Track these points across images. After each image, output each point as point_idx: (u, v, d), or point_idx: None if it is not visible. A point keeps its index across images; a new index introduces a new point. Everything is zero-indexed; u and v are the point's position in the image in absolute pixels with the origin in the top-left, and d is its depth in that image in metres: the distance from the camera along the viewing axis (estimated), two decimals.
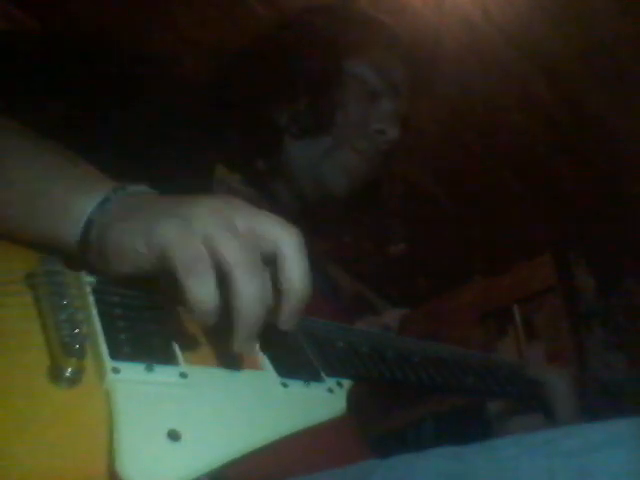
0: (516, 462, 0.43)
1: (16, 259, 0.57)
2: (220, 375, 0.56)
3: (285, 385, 0.60)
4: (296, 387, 0.61)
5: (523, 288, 1.37)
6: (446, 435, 1.07)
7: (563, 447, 0.42)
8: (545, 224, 1.97)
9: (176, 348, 0.55)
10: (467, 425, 1.03)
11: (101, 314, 0.54)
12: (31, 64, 0.80)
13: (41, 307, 0.53)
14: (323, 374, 0.65)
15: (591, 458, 0.40)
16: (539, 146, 1.89)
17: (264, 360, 0.62)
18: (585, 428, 0.44)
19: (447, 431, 1.07)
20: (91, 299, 0.55)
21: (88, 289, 0.57)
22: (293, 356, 0.65)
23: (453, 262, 1.96)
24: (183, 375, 0.53)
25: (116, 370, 0.49)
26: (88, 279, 0.58)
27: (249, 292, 0.51)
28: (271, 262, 0.55)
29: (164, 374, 0.52)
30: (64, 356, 0.47)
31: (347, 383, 0.66)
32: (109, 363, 0.49)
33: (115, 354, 0.50)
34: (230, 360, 0.58)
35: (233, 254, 0.51)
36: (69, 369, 0.46)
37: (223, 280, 0.51)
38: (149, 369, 0.51)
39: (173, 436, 0.47)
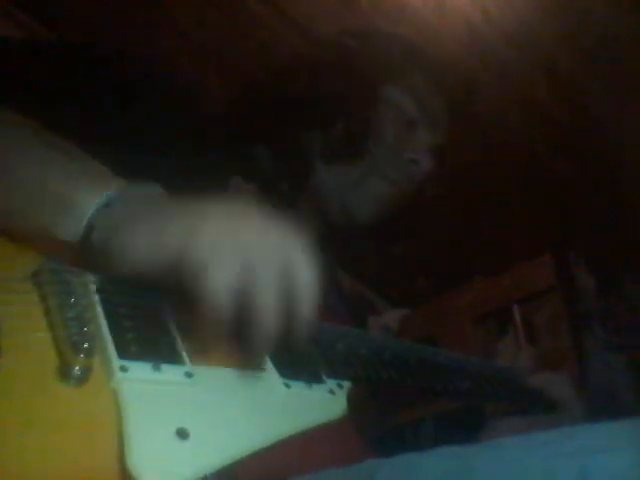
0: (518, 462, 0.43)
1: (21, 258, 0.57)
2: (224, 375, 0.57)
3: (287, 386, 0.60)
4: (298, 388, 0.61)
5: (523, 288, 1.37)
6: (445, 435, 1.07)
7: (564, 448, 0.42)
8: (545, 224, 1.97)
9: (182, 348, 0.56)
10: (466, 425, 1.03)
11: (107, 313, 0.54)
12: (49, 71, 0.80)
13: (48, 305, 0.53)
14: (324, 376, 0.66)
15: (592, 459, 0.40)
16: (539, 146, 1.89)
17: (266, 361, 0.62)
18: (586, 429, 0.44)
19: (446, 431, 1.07)
20: (96, 298, 0.56)
21: (93, 288, 0.57)
22: (294, 357, 0.66)
23: (453, 262, 1.96)
24: (189, 375, 0.53)
25: (124, 369, 0.49)
26: (93, 278, 0.59)
27: (268, 307, 0.54)
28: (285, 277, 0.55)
29: (170, 373, 0.52)
30: (72, 354, 0.47)
31: (347, 384, 0.67)
32: (117, 362, 0.50)
33: (123, 353, 0.51)
34: (234, 361, 0.58)
35: (263, 310, 0.53)
36: (77, 367, 0.47)
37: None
38: (156, 368, 0.51)
39: (182, 434, 0.47)
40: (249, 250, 0.53)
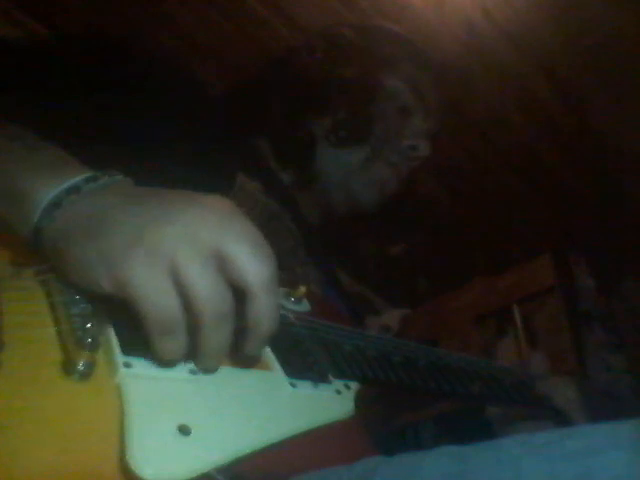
0: (518, 463, 0.43)
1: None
2: (229, 373, 0.56)
3: (294, 385, 0.60)
4: (304, 388, 0.61)
5: (523, 288, 1.37)
6: (446, 435, 1.07)
7: (565, 449, 0.42)
8: (545, 224, 1.97)
9: None
10: (467, 425, 1.03)
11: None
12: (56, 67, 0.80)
13: (53, 301, 0.53)
14: (331, 376, 0.65)
15: (593, 460, 0.40)
16: (539, 146, 1.89)
17: (273, 360, 0.62)
18: (587, 430, 0.44)
19: (447, 431, 1.07)
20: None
21: None
22: (301, 357, 0.66)
23: (453, 262, 1.96)
24: (193, 371, 0.53)
25: (128, 365, 0.50)
26: None
27: (215, 340, 0.51)
28: (240, 293, 0.53)
29: (174, 370, 0.52)
30: (76, 349, 0.47)
31: (355, 386, 0.67)
32: (121, 358, 0.50)
33: (126, 349, 0.51)
34: (239, 359, 0.58)
35: (203, 300, 0.49)
36: (81, 362, 0.47)
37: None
38: (160, 365, 0.51)
39: (184, 431, 0.47)
40: (171, 254, 0.49)
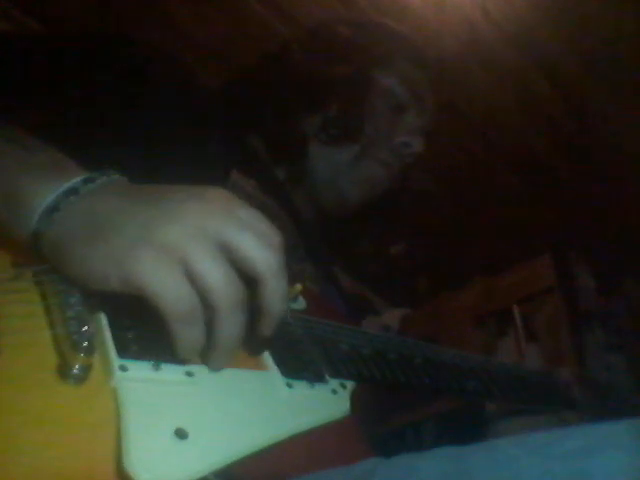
0: (516, 463, 0.43)
1: (22, 256, 0.56)
2: (225, 375, 0.56)
3: (290, 386, 0.60)
4: (301, 388, 0.61)
5: (523, 288, 1.37)
6: (446, 435, 1.07)
7: (563, 448, 0.42)
8: (545, 224, 1.97)
9: None
10: (467, 426, 1.03)
11: (108, 312, 0.54)
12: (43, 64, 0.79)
13: (48, 304, 0.52)
14: (327, 375, 0.65)
15: (591, 460, 0.40)
16: (539, 146, 1.89)
17: (269, 360, 0.62)
18: (585, 430, 0.44)
19: (447, 431, 1.07)
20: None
21: None
22: (297, 357, 0.66)
23: (453, 262, 1.96)
24: (189, 374, 0.53)
25: (124, 368, 0.49)
26: None
27: (230, 330, 0.52)
28: (251, 279, 0.53)
29: (171, 372, 0.52)
30: (72, 352, 0.47)
31: (350, 384, 0.67)
32: (117, 361, 0.49)
33: (122, 352, 0.50)
34: (235, 360, 0.58)
35: (217, 291, 0.50)
36: (77, 366, 0.46)
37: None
38: (156, 367, 0.51)
39: (180, 434, 0.47)
40: (180, 248, 0.49)
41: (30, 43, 0.84)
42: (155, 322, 0.50)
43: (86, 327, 0.50)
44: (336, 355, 0.70)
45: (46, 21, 1.68)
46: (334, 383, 0.65)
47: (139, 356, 0.51)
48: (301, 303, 0.78)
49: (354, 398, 0.65)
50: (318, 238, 1.06)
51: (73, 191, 0.53)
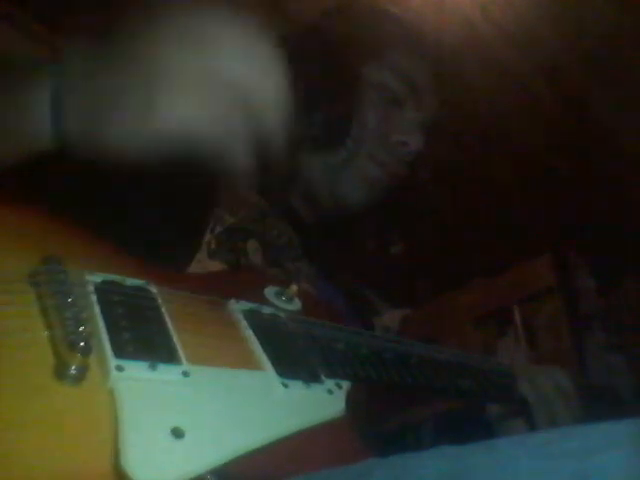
0: (515, 462, 0.43)
1: (18, 257, 0.57)
2: (221, 375, 0.56)
3: (285, 385, 0.60)
4: (296, 388, 0.61)
5: (523, 289, 1.37)
6: (445, 435, 1.07)
7: (562, 448, 0.42)
8: (545, 224, 1.97)
9: (178, 347, 0.56)
10: (467, 426, 1.03)
11: (104, 313, 0.54)
12: None
13: (45, 305, 0.53)
14: (322, 375, 0.65)
15: (590, 460, 0.40)
16: (539, 146, 1.89)
17: (265, 360, 0.62)
18: (584, 430, 0.44)
19: (446, 431, 1.07)
20: (94, 298, 0.56)
21: (91, 288, 0.57)
22: (293, 357, 0.66)
23: (453, 262, 1.96)
24: (185, 374, 0.53)
25: (120, 368, 0.49)
26: (90, 278, 0.58)
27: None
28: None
29: (167, 372, 0.52)
30: (69, 353, 0.47)
31: (346, 384, 0.67)
32: (113, 361, 0.50)
33: (119, 352, 0.51)
34: (231, 360, 0.58)
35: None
36: (74, 366, 0.47)
37: None
38: (152, 367, 0.51)
39: (177, 433, 0.47)
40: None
41: None
42: (153, 323, 0.50)
43: (82, 327, 0.50)
44: (332, 355, 0.70)
45: (47, 23, 1.68)
46: (330, 383, 0.65)
47: (135, 356, 0.51)
48: (297, 304, 0.78)
49: (350, 398, 0.65)
50: (317, 238, 1.05)
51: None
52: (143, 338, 0.54)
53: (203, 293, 0.68)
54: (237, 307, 0.69)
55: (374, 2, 1.42)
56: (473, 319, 1.43)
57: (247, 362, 0.60)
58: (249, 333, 0.65)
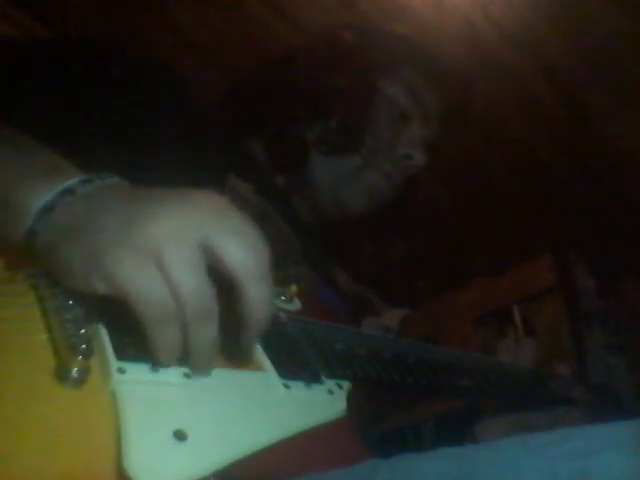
0: (517, 463, 0.43)
1: (18, 259, 0.57)
2: (223, 376, 0.56)
3: (287, 386, 0.60)
4: (297, 389, 0.61)
5: (523, 289, 1.37)
6: (446, 435, 1.07)
7: (564, 449, 0.42)
8: (545, 224, 1.97)
9: None
10: (467, 426, 1.03)
11: (105, 315, 0.54)
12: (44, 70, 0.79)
13: (45, 307, 0.53)
14: (323, 376, 0.65)
15: (591, 461, 0.40)
16: (539, 146, 1.89)
17: (265, 361, 0.62)
18: (586, 431, 0.44)
19: (447, 431, 1.07)
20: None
21: None
22: (294, 358, 0.66)
23: (453, 262, 1.96)
24: (187, 376, 0.53)
25: (122, 370, 0.49)
26: None
27: (201, 336, 0.51)
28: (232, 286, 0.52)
29: (169, 374, 0.52)
30: (70, 355, 0.47)
31: (346, 385, 0.67)
32: (115, 363, 0.50)
33: (120, 354, 0.51)
34: (232, 361, 0.58)
35: (184, 296, 0.49)
36: (75, 369, 0.47)
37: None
38: (154, 369, 0.51)
39: (179, 436, 0.47)
40: (157, 249, 0.49)
41: (31, 49, 0.84)
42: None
43: (84, 330, 0.50)
44: (332, 355, 0.70)
45: (47, 22, 1.68)
46: (330, 383, 0.65)
47: (137, 358, 0.51)
48: (296, 304, 0.79)
49: (351, 398, 0.65)
50: (317, 241, 1.06)
51: (70, 191, 0.53)
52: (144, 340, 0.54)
53: None
54: None
55: (372, 5, 1.42)
56: (473, 319, 1.43)
57: (249, 357, 0.60)
58: None
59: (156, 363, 0.51)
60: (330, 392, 0.64)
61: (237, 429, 0.52)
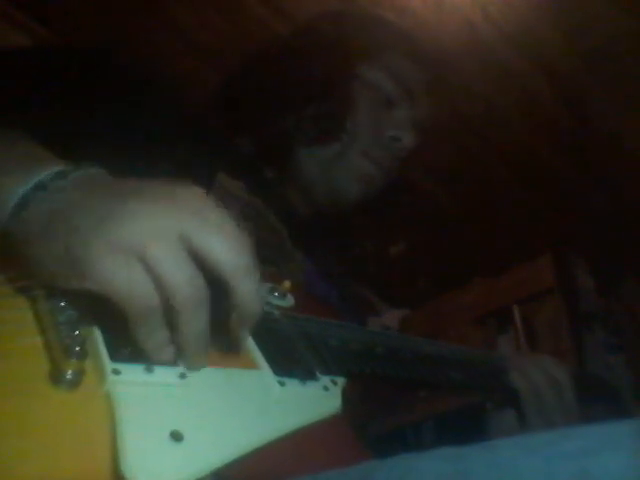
0: (515, 463, 0.43)
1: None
2: (218, 375, 0.56)
3: (282, 384, 0.60)
4: (293, 386, 0.61)
5: (523, 288, 1.37)
6: (446, 435, 1.07)
7: (563, 449, 0.42)
8: (545, 224, 1.97)
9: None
10: (467, 425, 1.03)
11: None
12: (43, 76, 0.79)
13: (38, 309, 0.52)
14: (318, 372, 0.65)
15: (590, 461, 0.40)
16: (539, 146, 1.89)
17: (260, 359, 0.62)
18: (585, 430, 0.44)
19: (447, 431, 1.07)
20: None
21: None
22: (288, 354, 0.66)
23: (453, 262, 1.96)
24: (182, 376, 0.53)
25: (116, 371, 0.49)
26: None
27: (193, 327, 0.51)
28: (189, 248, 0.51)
29: (164, 375, 0.52)
30: (64, 358, 0.47)
31: (341, 381, 0.67)
32: (109, 365, 0.49)
33: (115, 355, 0.50)
34: (227, 360, 0.58)
35: (174, 286, 0.48)
36: (69, 371, 0.46)
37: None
38: (149, 370, 0.51)
39: (176, 437, 0.47)
40: (139, 246, 0.48)
41: (26, 55, 0.84)
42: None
43: (77, 331, 0.50)
44: (326, 351, 0.70)
45: (47, 23, 1.68)
46: (325, 380, 0.65)
47: (131, 359, 0.51)
48: (290, 300, 0.78)
49: (347, 395, 0.65)
50: (314, 236, 1.05)
51: (41, 186, 0.52)
52: None
53: None
54: None
55: (372, 5, 1.42)
56: (473, 319, 1.43)
57: (242, 361, 0.60)
58: None
59: (150, 362, 0.51)
60: (325, 388, 0.64)
61: (233, 428, 0.52)
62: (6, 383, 0.45)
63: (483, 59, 1.68)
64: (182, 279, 0.49)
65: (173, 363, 0.53)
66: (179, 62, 1.75)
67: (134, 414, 0.47)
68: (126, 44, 1.67)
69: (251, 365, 0.61)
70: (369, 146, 1.00)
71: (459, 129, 1.83)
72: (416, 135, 1.02)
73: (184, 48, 1.76)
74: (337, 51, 1.00)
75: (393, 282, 1.63)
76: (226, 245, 0.52)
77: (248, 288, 0.53)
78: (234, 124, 0.99)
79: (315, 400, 0.62)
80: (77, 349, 0.47)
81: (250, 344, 0.63)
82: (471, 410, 1.00)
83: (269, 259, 0.92)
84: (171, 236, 0.50)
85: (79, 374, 0.47)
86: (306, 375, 0.63)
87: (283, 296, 0.78)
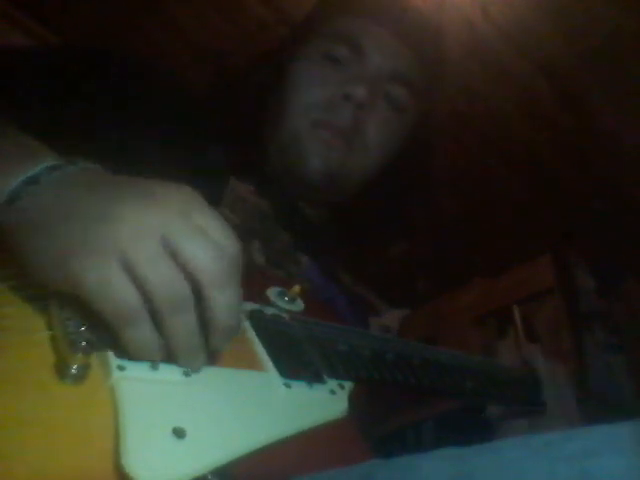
0: (518, 464, 0.43)
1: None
2: (223, 375, 0.56)
3: (288, 386, 0.60)
4: (299, 388, 0.61)
5: (523, 288, 1.37)
6: (447, 436, 1.07)
7: (565, 450, 0.42)
8: (545, 224, 1.97)
9: None
10: (468, 426, 1.03)
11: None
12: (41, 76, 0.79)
13: (45, 304, 0.53)
14: (325, 376, 0.65)
15: (593, 462, 0.40)
16: (539, 146, 1.89)
17: (267, 361, 0.62)
18: (587, 432, 0.44)
19: (447, 432, 1.07)
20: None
21: None
22: (296, 357, 0.66)
23: (453, 262, 1.96)
24: (187, 374, 0.53)
25: (121, 367, 0.49)
26: None
27: (179, 330, 0.50)
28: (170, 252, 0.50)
29: (168, 372, 0.52)
30: (70, 352, 0.47)
31: (349, 385, 0.67)
32: (115, 360, 0.49)
33: (120, 352, 0.50)
34: (233, 360, 0.58)
35: (155, 289, 0.48)
36: (75, 365, 0.46)
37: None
38: (153, 367, 0.51)
39: (178, 433, 0.47)
40: (120, 249, 0.48)
41: (25, 54, 0.84)
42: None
43: (84, 327, 0.50)
44: (334, 356, 0.70)
45: (47, 23, 1.68)
46: (332, 383, 0.65)
47: None
48: (299, 304, 0.78)
49: (353, 399, 0.65)
50: (320, 239, 1.05)
51: (34, 180, 0.52)
52: None
53: None
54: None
55: None
56: (473, 319, 1.43)
57: (249, 363, 0.60)
58: (252, 334, 0.65)
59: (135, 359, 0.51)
60: (332, 392, 0.64)
61: (236, 427, 0.52)
62: (12, 376, 0.45)
63: (483, 59, 1.68)
64: (160, 280, 0.48)
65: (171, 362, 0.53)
66: (179, 62, 1.75)
67: (137, 410, 0.47)
68: (125, 44, 1.67)
69: (258, 367, 0.61)
70: (319, 113, 0.96)
71: (458, 129, 1.83)
72: (370, 88, 0.96)
73: (184, 48, 1.76)
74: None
75: (393, 282, 1.63)
76: (207, 252, 0.50)
77: (223, 300, 0.51)
78: (236, 126, 0.99)
79: (321, 403, 0.62)
80: (83, 344, 0.48)
81: (258, 346, 0.63)
82: (471, 410, 1.00)
83: (279, 263, 0.92)
84: (153, 237, 0.49)
85: (84, 369, 0.47)
86: (313, 378, 0.63)
87: (293, 300, 0.78)
